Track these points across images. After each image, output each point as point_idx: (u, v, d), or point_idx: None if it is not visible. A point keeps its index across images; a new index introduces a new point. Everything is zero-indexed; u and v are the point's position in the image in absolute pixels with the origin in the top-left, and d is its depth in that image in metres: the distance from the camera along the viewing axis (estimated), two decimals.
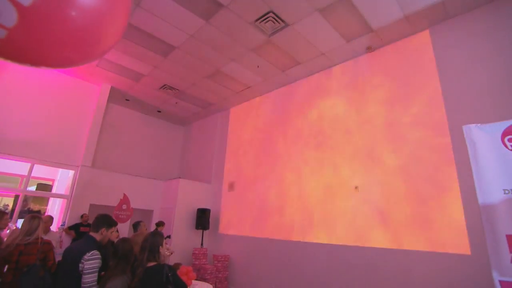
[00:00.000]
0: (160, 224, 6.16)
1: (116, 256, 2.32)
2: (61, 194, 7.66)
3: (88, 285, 2.18)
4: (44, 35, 1.38)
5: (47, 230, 5.06)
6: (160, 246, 2.31)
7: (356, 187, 5.18)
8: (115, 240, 2.69)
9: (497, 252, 1.67)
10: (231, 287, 6.93)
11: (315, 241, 5.60)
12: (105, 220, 2.59)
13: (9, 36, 1.29)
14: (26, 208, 7.94)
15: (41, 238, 3.16)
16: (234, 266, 7.12)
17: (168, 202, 8.25)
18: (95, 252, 2.31)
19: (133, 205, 7.52)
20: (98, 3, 1.46)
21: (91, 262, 2.24)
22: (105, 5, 1.49)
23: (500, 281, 1.58)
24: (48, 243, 3.21)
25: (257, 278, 6.45)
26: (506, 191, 1.72)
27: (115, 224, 2.68)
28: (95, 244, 2.43)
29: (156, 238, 2.32)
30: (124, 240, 2.41)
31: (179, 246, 6.92)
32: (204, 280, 6.43)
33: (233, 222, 7.64)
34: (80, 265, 2.23)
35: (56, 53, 1.52)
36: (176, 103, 8.91)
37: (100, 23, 1.52)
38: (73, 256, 2.31)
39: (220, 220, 8.01)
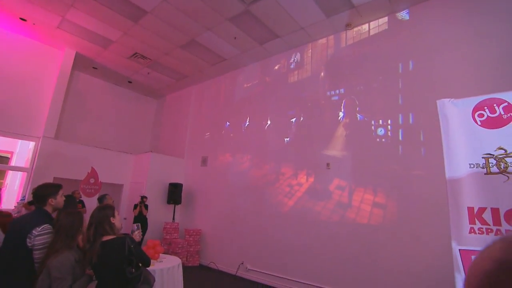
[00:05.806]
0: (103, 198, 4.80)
1: (56, 231, 2.07)
2: (21, 167, 7.17)
3: (41, 260, 2.01)
4: None
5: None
6: (112, 218, 2.14)
7: (327, 164, 5.27)
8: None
9: (458, 223, 1.73)
10: (202, 261, 6.99)
11: (289, 215, 5.70)
12: (48, 189, 2.27)
13: None
14: None
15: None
16: (206, 240, 7.15)
17: (139, 176, 8.01)
18: (46, 226, 2.09)
19: (102, 179, 7.23)
20: None
21: (41, 237, 2.04)
22: None
23: (460, 250, 1.65)
24: (8, 215, 3.06)
25: (229, 252, 6.53)
26: (472, 165, 1.75)
27: (60, 186, 2.35)
28: (46, 217, 2.19)
29: (102, 212, 2.13)
30: (67, 214, 2.14)
31: (149, 220, 6.80)
32: (175, 254, 6.41)
33: (206, 197, 7.59)
34: (27, 240, 2.03)
35: None
36: (148, 73, 8.45)
37: None
38: (19, 229, 2.09)
39: (193, 195, 7.94)
